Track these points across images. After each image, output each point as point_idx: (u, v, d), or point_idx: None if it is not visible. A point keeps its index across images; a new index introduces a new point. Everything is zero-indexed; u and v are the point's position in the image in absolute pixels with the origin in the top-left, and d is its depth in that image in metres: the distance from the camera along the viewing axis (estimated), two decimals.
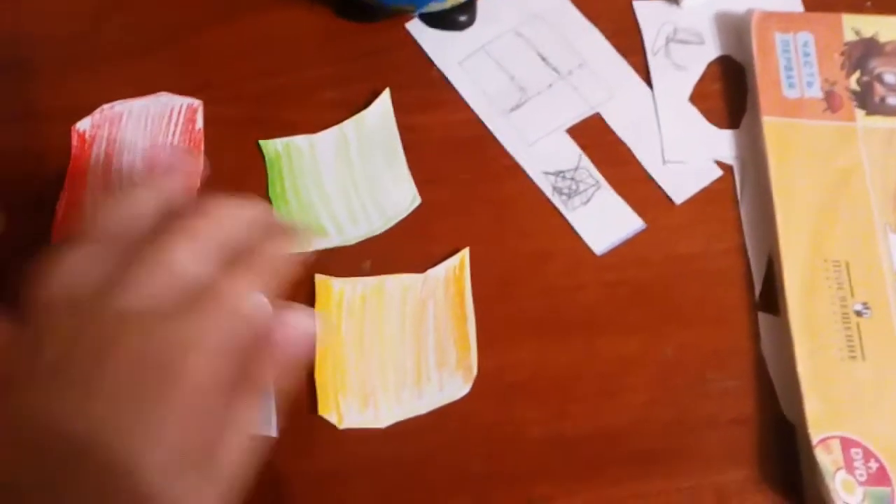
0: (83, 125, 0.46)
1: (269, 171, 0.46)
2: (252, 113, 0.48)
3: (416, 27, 0.50)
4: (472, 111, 0.48)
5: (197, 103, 0.47)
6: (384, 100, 0.48)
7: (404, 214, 0.45)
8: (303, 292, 0.43)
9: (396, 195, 0.46)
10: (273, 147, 0.46)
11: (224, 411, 0.29)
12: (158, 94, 0.46)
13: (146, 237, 0.30)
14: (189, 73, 0.49)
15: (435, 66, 0.49)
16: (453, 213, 0.45)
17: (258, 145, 0.46)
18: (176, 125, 0.46)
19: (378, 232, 0.45)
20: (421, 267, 0.44)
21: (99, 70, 0.49)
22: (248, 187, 0.44)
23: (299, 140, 0.47)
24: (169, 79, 0.48)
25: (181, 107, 0.45)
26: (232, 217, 0.32)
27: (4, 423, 0.28)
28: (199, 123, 0.46)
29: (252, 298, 0.32)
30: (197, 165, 0.41)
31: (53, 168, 0.46)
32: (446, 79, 0.48)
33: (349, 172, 0.46)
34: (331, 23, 0.50)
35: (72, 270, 0.30)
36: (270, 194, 0.45)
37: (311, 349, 0.37)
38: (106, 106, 0.46)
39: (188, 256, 0.29)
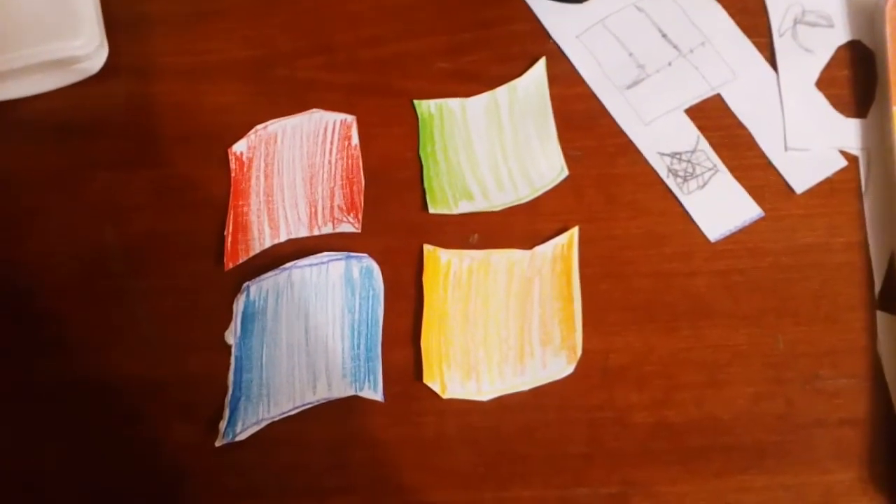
0: (239, 147, 0.46)
1: (420, 131, 0.46)
2: (369, 79, 0.48)
3: None
4: (587, 86, 0.47)
5: (350, 119, 0.46)
6: (539, 69, 0.47)
7: (551, 186, 0.44)
8: (411, 261, 0.44)
9: (544, 165, 0.45)
10: (427, 107, 0.47)
11: None
12: (311, 111, 0.46)
13: None
14: (307, 36, 0.49)
15: (551, 38, 0.48)
16: (562, 189, 0.45)
17: (412, 105, 0.47)
18: (332, 143, 0.46)
19: (523, 201, 0.44)
20: (527, 242, 0.43)
21: (219, 27, 0.50)
22: (399, 147, 0.45)
23: (452, 102, 0.47)
24: (287, 41, 0.49)
25: (335, 123, 0.44)
26: None
27: None
28: (355, 139, 0.46)
29: None
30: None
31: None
32: (562, 52, 0.47)
33: (499, 138, 0.46)
34: None
35: None
36: (421, 153, 0.46)
37: None
38: (259, 126, 0.46)
39: None
